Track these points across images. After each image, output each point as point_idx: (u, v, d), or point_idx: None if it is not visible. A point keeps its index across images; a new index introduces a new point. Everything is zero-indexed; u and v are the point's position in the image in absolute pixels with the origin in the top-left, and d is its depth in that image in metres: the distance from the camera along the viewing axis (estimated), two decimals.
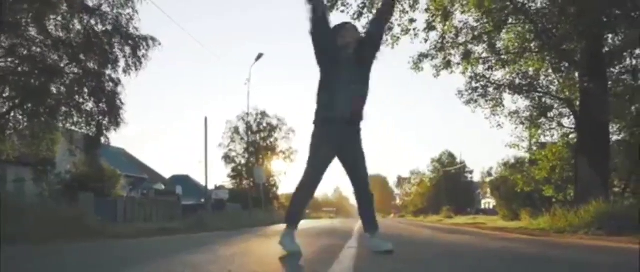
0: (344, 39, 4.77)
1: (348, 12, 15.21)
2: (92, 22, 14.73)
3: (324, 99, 4.71)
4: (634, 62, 13.98)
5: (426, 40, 16.04)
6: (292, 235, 4.68)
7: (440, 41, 16.06)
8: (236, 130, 47.14)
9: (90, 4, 14.70)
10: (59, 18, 14.17)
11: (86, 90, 15.07)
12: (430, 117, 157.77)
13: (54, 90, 14.69)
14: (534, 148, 20.26)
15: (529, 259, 5.08)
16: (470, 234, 11.80)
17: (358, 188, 4.81)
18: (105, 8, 14.80)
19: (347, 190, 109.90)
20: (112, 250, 6.63)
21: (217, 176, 60.21)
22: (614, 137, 15.99)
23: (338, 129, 4.65)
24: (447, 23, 15.95)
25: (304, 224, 6.31)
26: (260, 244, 7.09)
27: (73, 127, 15.64)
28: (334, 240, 7.75)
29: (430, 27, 15.94)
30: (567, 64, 14.81)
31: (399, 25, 15.83)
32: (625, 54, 13.72)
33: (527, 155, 21.68)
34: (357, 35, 4.88)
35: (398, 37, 15.87)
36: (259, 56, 29.47)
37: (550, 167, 18.23)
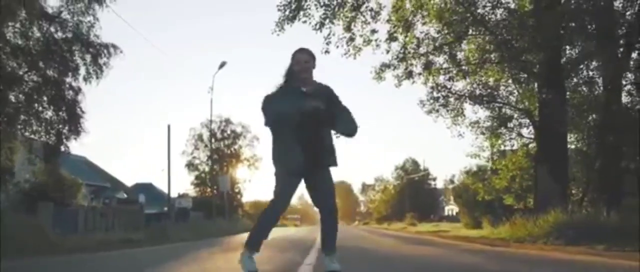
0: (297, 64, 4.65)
1: (310, 23, 15.29)
2: (52, 29, 14.55)
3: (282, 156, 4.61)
4: (591, 73, 14.32)
5: (388, 51, 16.16)
6: (251, 256, 4.55)
7: (401, 52, 16.14)
8: (200, 137, 46.68)
9: (50, 11, 14.49)
10: (18, 25, 13.90)
11: (46, 98, 14.84)
12: (395, 124, 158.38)
13: (12, 98, 14.38)
14: (495, 157, 20.53)
15: None
16: (434, 245, 11.95)
17: (324, 215, 4.70)
18: (65, 15, 14.65)
19: None
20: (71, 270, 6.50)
21: (181, 184, 59.37)
22: (572, 146, 16.27)
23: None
24: (409, 34, 16.06)
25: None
26: (226, 262, 6.97)
27: (32, 136, 15.32)
28: (293, 254, 7.77)
29: (392, 38, 16.04)
30: (526, 75, 15.08)
31: (361, 36, 15.92)
32: (582, 65, 14.02)
33: (489, 164, 21.97)
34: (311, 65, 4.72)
35: (360, 48, 15.94)
36: (222, 64, 29.39)
37: (510, 176, 18.47)
